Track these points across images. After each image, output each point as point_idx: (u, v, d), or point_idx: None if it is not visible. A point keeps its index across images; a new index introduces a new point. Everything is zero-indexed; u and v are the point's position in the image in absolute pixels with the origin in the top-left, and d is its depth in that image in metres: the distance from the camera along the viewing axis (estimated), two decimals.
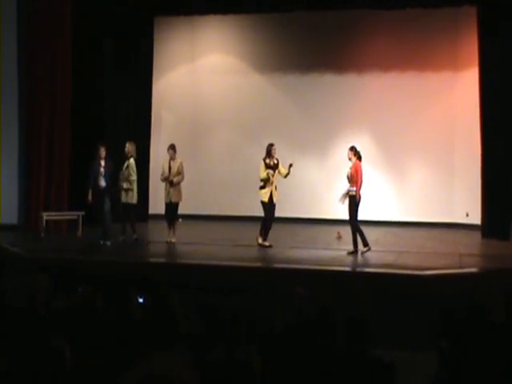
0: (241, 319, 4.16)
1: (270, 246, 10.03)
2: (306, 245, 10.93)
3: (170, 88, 15.87)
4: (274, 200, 10.14)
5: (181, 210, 15.33)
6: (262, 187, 10.11)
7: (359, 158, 9.70)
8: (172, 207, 10.62)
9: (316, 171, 15.07)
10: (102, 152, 10.36)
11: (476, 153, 12.37)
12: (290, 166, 10.24)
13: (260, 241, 10.10)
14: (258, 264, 8.98)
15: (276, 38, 15.27)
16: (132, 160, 10.68)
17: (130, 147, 10.60)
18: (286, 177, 10.25)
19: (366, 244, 9.52)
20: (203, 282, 7.74)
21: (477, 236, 12.03)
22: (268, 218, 10.08)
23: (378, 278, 8.13)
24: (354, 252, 9.50)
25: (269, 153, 10.18)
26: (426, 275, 7.96)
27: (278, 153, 14.36)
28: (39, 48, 12.75)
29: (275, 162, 10.20)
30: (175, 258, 9.72)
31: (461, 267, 8.65)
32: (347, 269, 8.68)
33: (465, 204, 13.82)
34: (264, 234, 10.09)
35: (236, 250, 10.22)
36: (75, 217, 12.14)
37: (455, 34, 14.03)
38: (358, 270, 8.72)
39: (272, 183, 10.07)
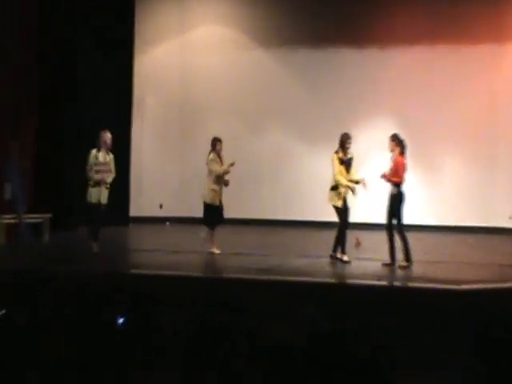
0: (240, 338, 4.21)
1: (349, 262, 9.90)
2: (318, 253, 10.97)
3: (155, 67, 15.97)
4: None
5: (168, 213, 15.56)
6: (333, 188, 9.94)
7: (403, 149, 9.68)
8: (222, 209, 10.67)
9: (329, 167, 15.02)
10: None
11: None
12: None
13: (340, 256, 9.96)
14: (261, 276, 9.00)
15: (283, 6, 15.39)
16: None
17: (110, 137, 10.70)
18: (349, 181, 9.92)
19: (408, 258, 9.49)
20: (197, 297, 7.74)
21: None
22: (342, 227, 9.95)
23: (403, 293, 8.30)
24: (391, 264, 9.50)
25: (343, 145, 9.97)
26: (460, 290, 8.03)
27: (283, 145, 14.32)
28: None
29: (349, 157, 10.00)
30: (165, 269, 9.74)
31: (502, 280, 8.80)
32: (366, 283, 8.76)
33: (508, 205, 13.91)
34: (341, 246, 9.99)
35: (235, 259, 10.39)
36: (40, 220, 12.15)
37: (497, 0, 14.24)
38: (379, 284, 8.80)
39: (346, 188, 9.94)
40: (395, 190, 9.57)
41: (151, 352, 4.38)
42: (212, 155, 10.50)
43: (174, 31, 15.99)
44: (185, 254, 10.77)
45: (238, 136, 15.71)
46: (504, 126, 14.13)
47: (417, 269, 9.49)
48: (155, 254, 10.54)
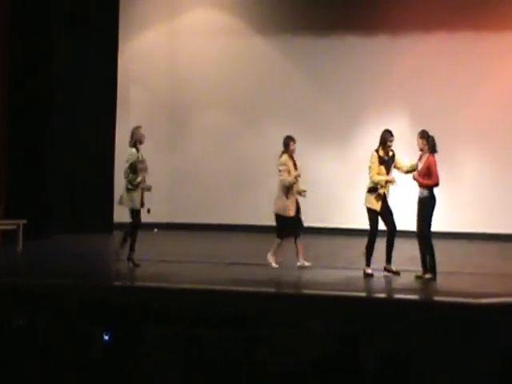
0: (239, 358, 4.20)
1: (372, 275, 9.88)
2: (322, 263, 11.06)
3: (142, 56, 15.94)
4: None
5: (157, 219, 15.44)
6: (373, 190, 9.91)
7: (433, 148, 9.73)
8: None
9: (335, 167, 15.27)
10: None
11: None
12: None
13: (368, 271, 9.93)
14: (259, 289, 9.05)
15: None
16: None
17: None
18: (407, 173, 10.04)
19: (434, 270, 9.59)
20: (189, 312, 7.76)
21: None
22: (371, 232, 9.95)
23: (417, 307, 8.32)
24: (433, 277, 9.56)
25: (384, 142, 9.98)
26: (481, 304, 8.09)
27: (280, 144, 14.19)
28: None
29: (391, 155, 10.05)
30: (150, 281, 9.77)
31: None
32: (376, 295, 8.95)
33: None
34: (367, 256, 9.95)
35: (230, 269, 10.43)
36: (14, 227, 12.13)
37: None
38: (391, 297, 8.94)
39: (387, 185, 9.92)
40: (427, 194, 9.65)
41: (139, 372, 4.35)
42: (284, 158, 10.35)
43: (163, 16, 15.99)
44: (176, 264, 10.83)
45: (234, 132, 15.79)
46: None
47: (432, 280, 9.56)
48: (143, 263, 10.54)
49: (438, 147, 12.97)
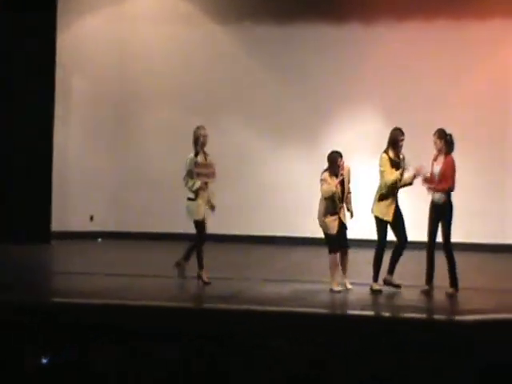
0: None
1: (399, 286, 10.11)
2: (290, 276, 11.23)
3: (85, 43, 15.87)
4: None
5: (100, 227, 15.45)
6: (382, 198, 10.01)
7: (450, 147, 9.87)
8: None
9: (304, 169, 15.23)
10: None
11: None
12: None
13: (377, 286, 10.06)
14: (215, 305, 9.22)
15: None
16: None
17: None
18: (409, 184, 10.12)
19: (456, 283, 9.80)
20: (140, 329, 7.80)
21: None
22: (380, 243, 10.07)
23: (399, 325, 8.40)
24: (455, 292, 9.76)
25: (395, 143, 10.08)
26: (467, 321, 8.30)
27: (246, 143, 14.21)
28: None
29: (401, 157, 10.16)
30: (96, 297, 9.67)
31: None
32: (351, 312, 9.06)
33: None
34: (375, 270, 10.10)
35: (186, 284, 10.52)
36: None
37: None
38: (368, 314, 8.99)
39: (396, 192, 10.08)
40: (447, 198, 9.79)
41: None
42: (326, 175, 10.23)
43: (108, 0, 15.98)
44: (124, 278, 10.82)
45: (189, 130, 15.55)
46: None
47: (415, 295, 9.73)
48: (86, 277, 10.58)
49: (415, 145, 13.29)
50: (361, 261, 11.28)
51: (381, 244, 10.03)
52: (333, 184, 10.03)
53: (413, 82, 14.84)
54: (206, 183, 10.36)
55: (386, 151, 10.00)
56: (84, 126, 15.52)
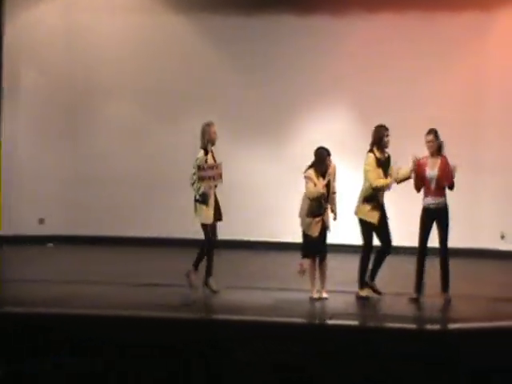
0: None
1: (380, 293, 10.21)
2: (253, 283, 11.23)
3: (34, 35, 15.65)
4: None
5: (52, 231, 15.20)
6: (368, 200, 10.05)
7: (442, 147, 10.08)
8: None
9: (267, 169, 15.28)
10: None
11: None
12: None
13: (365, 292, 10.15)
14: (175, 314, 9.12)
15: None
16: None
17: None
18: (401, 182, 10.23)
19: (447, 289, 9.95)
20: (96, 340, 7.79)
21: None
22: (366, 247, 10.14)
23: (372, 334, 8.39)
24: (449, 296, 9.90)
25: (380, 140, 10.15)
26: (445, 331, 8.57)
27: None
28: None
29: (386, 156, 10.25)
30: (50, 306, 9.55)
31: (496, 319, 8.97)
32: (318, 322, 9.17)
33: (499, 221, 13.98)
34: (361, 276, 10.18)
35: (141, 291, 10.48)
36: None
37: None
38: (335, 323, 8.98)
39: (382, 194, 10.14)
40: (445, 202, 10.00)
41: None
42: (311, 173, 10.15)
43: None
44: (77, 286, 10.73)
45: (145, 127, 15.67)
46: (493, 115, 14.39)
47: (390, 303, 9.92)
48: (37, 285, 10.51)
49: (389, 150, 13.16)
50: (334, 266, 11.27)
51: (367, 248, 10.12)
52: (320, 185, 10.00)
53: (388, 79, 14.82)
54: (211, 187, 10.34)
55: (371, 150, 10.06)
56: (33, 122, 15.36)
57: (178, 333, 8.22)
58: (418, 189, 10.02)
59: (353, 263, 10.49)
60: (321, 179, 10.01)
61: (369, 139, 12.58)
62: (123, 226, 15.23)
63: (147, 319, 8.74)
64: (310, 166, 10.13)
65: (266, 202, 15.05)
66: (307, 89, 15.05)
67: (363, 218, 10.04)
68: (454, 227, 14.03)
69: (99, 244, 14.94)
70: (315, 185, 10.03)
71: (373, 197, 9.96)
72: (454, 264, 12.45)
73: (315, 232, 10.06)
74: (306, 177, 10.11)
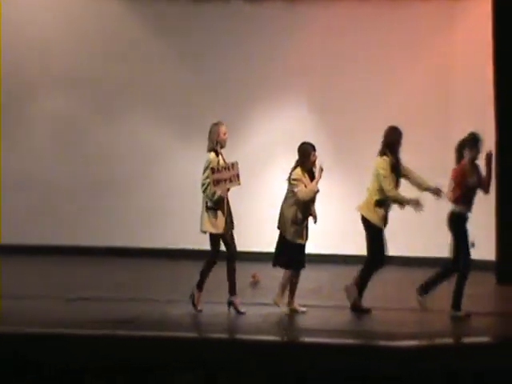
0: None
1: (368, 311, 10.16)
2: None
3: None
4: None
5: None
6: (380, 203, 10.04)
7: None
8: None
9: None
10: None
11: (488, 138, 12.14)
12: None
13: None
14: (111, 331, 8.90)
15: None
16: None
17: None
18: (426, 190, 10.27)
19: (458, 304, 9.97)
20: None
21: (489, 280, 12.32)
22: (375, 259, 10.14)
23: (323, 351, 8.31)
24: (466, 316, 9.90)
25: (395, 144, 10.15)
26: (403, 347, 8.29)
27: (147, 138, 14.19)
28: None
29: (399, 160, 10.27)
30: None
31: (460, 334, 9.13)
32: (265, 338, 8.95)
33: (469, 226, 13.81)
34: (360, 288, 10.15)
35: (79, 307, 10.35)
36: None
37: None
38: (284, 339, 9.06)
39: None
40: (458, 209, 10.02)
41: None
42: (298, 173, 10.09)
43: None
44: (10, 301, 10.43)
45: (82, 122, 15.45)
46: (460, 112, 14.33)
47: (341, 317, 9.88)
48: None
49: (348, 152, 13.18)
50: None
51: (375, 258, 10.08)
52: (312, 185, 9.94)
53: (344, 70, 14.80)
54: (228, 189, 10.03)
55: (384, 153, 10.06)
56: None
57: (114, 351, 8.15)
58: (458, 198, 9.99)
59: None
60: (307, 178, 10.02)
61: (328, 139, 12.55)
62: (58, 234, 15.08)
63: (90, 338, 8.54)
64: (295, 166, 10.07)
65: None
66: (259, 84, 15.04)
67: (371, 220, 10.02)
68: (419, 235, 14.47)
69: (32, 254, 14.70)
70: (305, 186, 9.98)
71: (383, 201, 10.00)
72: (420, 274, 12.40)
73: (303, 239, 10.06)
74: (294, 180, 10.00)
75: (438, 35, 14.67)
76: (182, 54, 15.33)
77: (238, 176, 10.04)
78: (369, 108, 14.56)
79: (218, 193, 9.88)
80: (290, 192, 10.08)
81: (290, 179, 10.08)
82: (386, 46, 14.71)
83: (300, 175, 10.00)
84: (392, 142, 10.08)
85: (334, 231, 14.49)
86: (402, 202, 9.97)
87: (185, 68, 15.32)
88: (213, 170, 9.91)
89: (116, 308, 10.18)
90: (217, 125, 10.25)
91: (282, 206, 10.13)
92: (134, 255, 14.85)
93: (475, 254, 13.41)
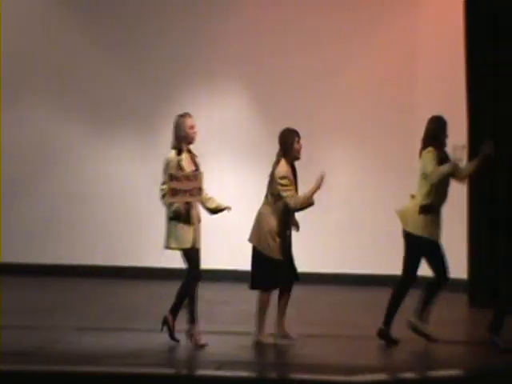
0: None
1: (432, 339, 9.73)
2: (119, 323, 10.79)
3: None
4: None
5: None
6: (428, 209, 9.47)
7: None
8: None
9: (137, 172, 14.75)
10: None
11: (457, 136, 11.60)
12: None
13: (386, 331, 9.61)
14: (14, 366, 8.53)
15: None
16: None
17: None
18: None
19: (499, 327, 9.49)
20: None
21: (459, 302, 12.15)
22: (409, 276, 9.63)
23: None
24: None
25: (441, 134, 9.66)
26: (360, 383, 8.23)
27: (56, 135, 14.19)
28: None
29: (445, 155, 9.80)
30: None
31: (426, 367, 8.99)
32: (186, 372, 8.86)
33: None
34: (390, 313, 9.65)
35: None
36: None
37: None
38: (216, 374, 8.55)
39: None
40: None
41: None
42: (283, 166, 9.40)
43: None
44: None
45: None
46: (423, 105, 13.68)
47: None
48: None
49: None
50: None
51: (410, 277, 9.61)
52: (307, 196, 9.15)
53: (289, 55, 14.32)
54: (187, 203, 9.25)
55: (431, 144, 9.51)
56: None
57: None
58: None
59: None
60: (292, 174, 9.42)
61: (271, 131, 11.91)
62: None
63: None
64: (278, 160, 9.38)
65: (130, 214, 14.64)
66: (189, 69, 14.61)
67: (415, 232, 9.47)
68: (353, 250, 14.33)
69: None
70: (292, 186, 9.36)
71: (430, 206, 9.43)
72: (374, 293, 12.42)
73: (282, 254, 9.34)
74: (281, 179, 9.24)
75: (400, 7, 14.36)
76: (97, 36, 14.79)
77: (200, 189, 9.22)
78: (312, 102, 14.19)
79: (176, 205, 9.17)
80: (274, 196, 9.34)
81: (273, 178, 9.30)
82: (339, 27, 14.38)
83: (287, 172, 9.29)
84: (439, 128, 9.71)
85: None
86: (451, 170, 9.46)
87: (99, 51, 14.74)
88: (171, 177, 9.18)
89: (19, 337, 9.61)
90: (183, 117, 9.56)
91: (260, 212, 9.40)
92: (40, 273, 14.31)
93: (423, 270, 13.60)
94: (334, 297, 13.20)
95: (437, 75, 13.97)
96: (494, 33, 12.36)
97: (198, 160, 9.47)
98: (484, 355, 9.41)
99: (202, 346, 9.23)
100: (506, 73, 12.29)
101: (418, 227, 9.46)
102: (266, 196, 9.41)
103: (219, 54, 14.66)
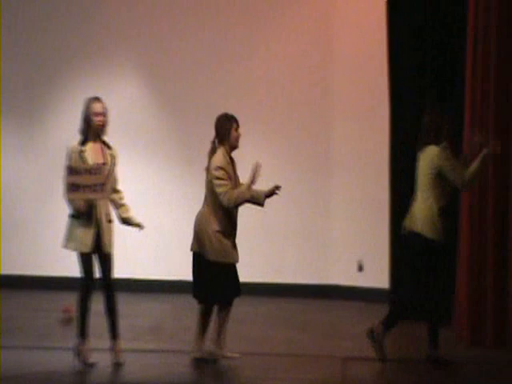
0: None
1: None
2: (25, 341, 10.34)
3: None
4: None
5: None
6: (444, 211, 9.31)
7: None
8: None
9: (18, 165, 14.60)
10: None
11: (380, 131, 12.25)
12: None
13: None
14: None
15: None
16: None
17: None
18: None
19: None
20: None
21: (378, 313, 11.78)
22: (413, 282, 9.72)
23: None
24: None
25: (450, 131, 9.38)
26: None
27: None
28: None
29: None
30: None
31: None
32: None
33: (355, 245, 13.80)
34: (391, 321, 9.47)
35: None
36: None
37: None
38: None
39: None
40: None
41: None
42: (220, 156, 8.93)
43: None
44: None
45: None
46: (343, 95, 13.93)
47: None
48: None
49: (196, 135, 13.24)
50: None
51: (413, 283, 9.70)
52: (243, 190, 8.78)
53: (193, 40, 14.34)
54: (90, 199, 8.68)
55: (440, 140, 9.27)
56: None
57: None
58: None
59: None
60: (231, 164, 8.95)
61: (174, 117, 12.02)
62: None
63: None
64: (213, 148, 8.96)
65: (29, 215, 14.42)
66: (75, 47, 14.46)
67: (430, 236, 9.24)
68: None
69: None
70: (230, 178, 8.88)
71: (449, 207, 9.41)
72: (291, 306, 13.01)
73: (236, 258, 9.01)
74: (216, 169, 8.77)
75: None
76: None
77: (103, 185, 8.62)
78: (221, 91, 14.17)
79: (76, 202, 8.64)
80: (213, 192, 8.87)
81: (209, 170, 8.88)
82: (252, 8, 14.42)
83: (224, 163, 8.82)
84: (447, 126, 9.49)
85: None
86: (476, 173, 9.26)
87: None
88: (69, 170, 8.61)
89: None
90: (91, 101, 8.98)
91: (201, 212, 8.96)
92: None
93: (363, 279, 13.68)
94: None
95: (354, 59, 13.95)
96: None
97: (114, 153, 8.92)
98: None
99: (91, 365, 8.77)
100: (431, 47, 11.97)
101: (436, 230, 9.27)
102: (205, 196, 8.98)
103: (114, 37, 14.55)
